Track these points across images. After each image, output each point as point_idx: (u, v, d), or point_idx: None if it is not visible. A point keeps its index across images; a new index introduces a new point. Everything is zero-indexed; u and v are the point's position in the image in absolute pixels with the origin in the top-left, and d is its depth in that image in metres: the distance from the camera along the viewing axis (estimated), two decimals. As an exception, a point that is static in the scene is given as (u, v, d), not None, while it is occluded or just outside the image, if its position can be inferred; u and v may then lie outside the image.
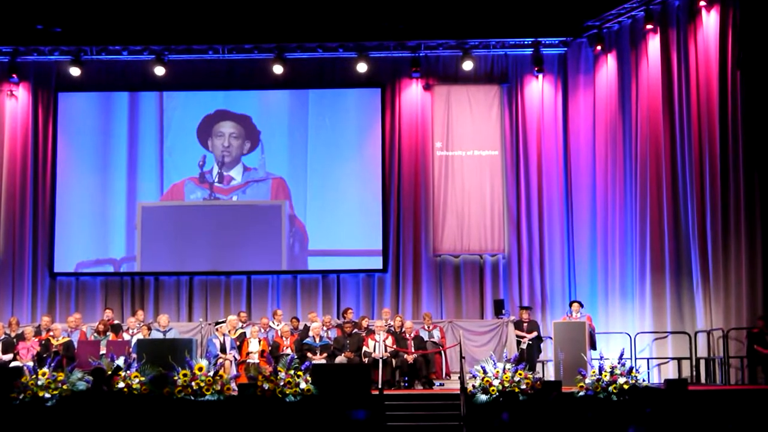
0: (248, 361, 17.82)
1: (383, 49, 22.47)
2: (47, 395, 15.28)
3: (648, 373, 19.20)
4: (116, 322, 19.72)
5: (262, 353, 17.93)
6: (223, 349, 17.95)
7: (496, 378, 15.78)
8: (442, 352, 19.30)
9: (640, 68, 21.00)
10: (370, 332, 19.04)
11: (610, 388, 15.66)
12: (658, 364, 20.10)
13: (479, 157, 22.47)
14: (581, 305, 19.46)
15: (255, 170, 22.56)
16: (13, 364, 17.46)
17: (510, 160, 22.49)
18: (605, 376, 15.76)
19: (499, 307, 21.15)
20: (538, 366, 19.80)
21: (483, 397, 15.70)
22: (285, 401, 15.26)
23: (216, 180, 22.52)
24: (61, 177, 22.47)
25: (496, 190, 22.37)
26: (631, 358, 18.78)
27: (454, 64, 22.69)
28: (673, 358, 19.81)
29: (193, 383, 15.32)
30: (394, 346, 18.56)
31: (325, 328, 19.30)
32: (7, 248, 22.10)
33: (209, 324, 20.15)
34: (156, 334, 18.84)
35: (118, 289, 22.36)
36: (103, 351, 17.10)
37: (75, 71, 22.11)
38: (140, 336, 18.45)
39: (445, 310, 22.14)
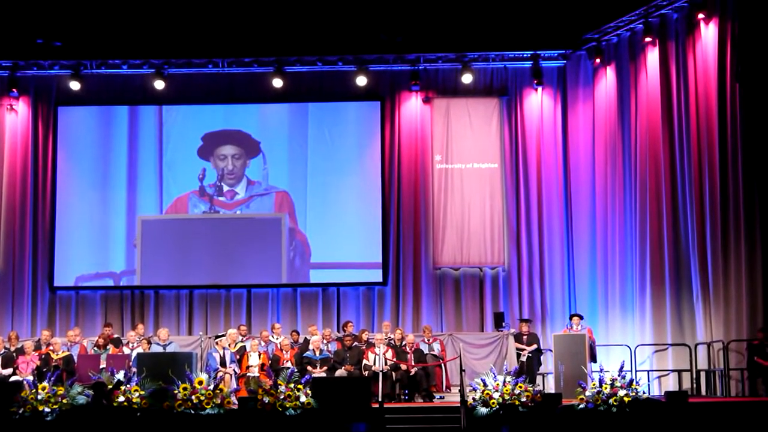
0: (248, 374, 17.83)
1: (382, 62, 22.51)
2: (47, 409, 15.24)
3: (648, 385, 19.15)
4: (116, 336, 19.71)
5: (262, 367, 17.93)
6: (223, 363, 17.96)
7: (497, 391, 15.73)
8: (442, 365, 19.31)
9: (639, 81, 21.03)
10: (370, 345, 19.04)
11: (611, 401, 15.60)
12: (659, 377, 20.09)
13: (479, 170, 22.49)
14: (581, 318, 19.47)
15: (258, 183, 22.57)
16: (12, 378, 17.46)
17: (510, 172, 22.51)
18: (605, 388, 15.72)
19: (499, 320, 21.14)
20: (539, 379, 19.81)
21: (483, 410, 15.66)
22: (285, 415, 15.23)
23: (216, 193, 22.52)
24: (61, 191, 22.48)
25: (496, 203, 22.38)
26: (631, 371, 18.77)
27: (453, 77, 22.74)
28: (673, 371, 19.80)
29: (193, 397, 15.30)
30: (394, 359, 18.57)
31: (325, 342, 19.31)
32: (6, 262, 22.10)
33: (209, 338, 20.14)
34: (156, 348, 18.82)
35: (118, 302, 22.34)
36: (103, 365, 17.12)
37: (75, 85, 22.16)
38: (140, 350, 18.44)
39: (445, 323, 22.13)
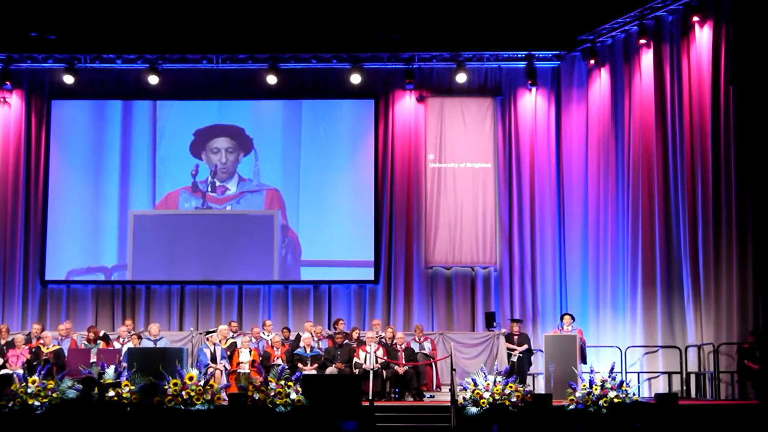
0: (239, 371, 17.81)
1: (377, 60, 22.51)
2: (37, 403, 15.28)
3: (638, 387, 19.19)
4: (103, 332, 19.58)
5: (252, 363, 17.91)
6: (213, 359, 17.94)
7: (487, 390, 15.77)
8: (433, 364, 19.31)
9: (633, 83, 21.05)
10: (361, 343, 19.04)
11: (601, 402, 15.66)
12: (649, 379, 20.10)
13: (472, 170, 22.49)
14: (572, 318, 19.48)
15: (249, 181, 22.54)
16: (2, 371, 17.42)
17: (502, 172, 22.51)
18: (596, 389, 15.77)
19: (490, 320, 21.16)
20: (529, 379, 19.82)
21: (473, 410, 15.69)
22: (275, 411, 15.25)
23: (209, 189, 22.50)
24: (54, 184, 22.43)
25: (489, 203, 22.39)
26: (621, 372, 18.79)
27: (447, 76, 22.72)
28: (663, 373, 19.82)
29: (184, 393, 15.32)
30: (385, 358, 18.56)
31: (316, 339, 19.31)
32: (-2, 255, 22.10)
33: (200, 333, 20.12)
34: (147, 343, 18.81)
35: (109, 297, 22.31)
36: (93, 359, 17.10)
37: (68, 79, 22.09)
38: (131, 344, 18.42)
39: (436, 322, 22.13)
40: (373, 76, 22.72)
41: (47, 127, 22.60)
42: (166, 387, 15.37)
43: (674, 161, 20.06)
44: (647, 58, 20.73)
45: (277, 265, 22.31)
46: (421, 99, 22.76)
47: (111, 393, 15.29)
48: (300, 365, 18.24)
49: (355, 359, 18.52)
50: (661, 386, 19.76)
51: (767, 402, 16.40)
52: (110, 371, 15.75)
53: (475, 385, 15.91)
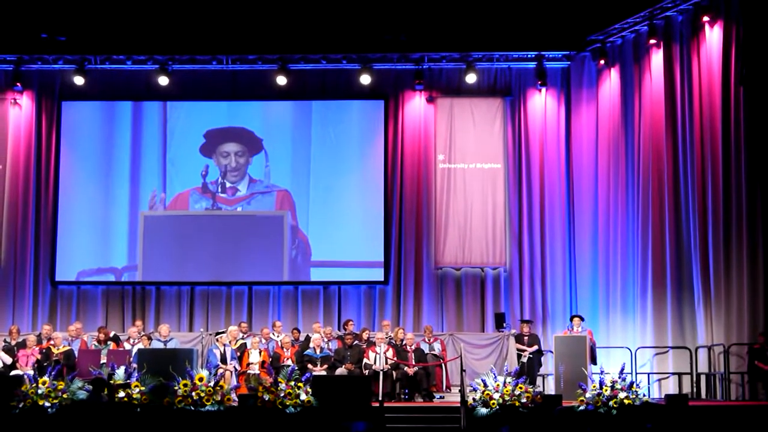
0: (249, 371, 17.82)
1: (386, 61, 22.49)
2: (47, 404, 15.29)
3: (648, 388, 19.15)
4: (113, 333, 19.60)
5: (262, 364, 17.93)
6: (223, 360, 17.94)
7: (497, 391, 15.75)
8: (443, 364, 19.30)
9: (643, 83, 21.02)
10: (371, 344, 19.04)
11: (611, 403, 15.62)
12: (659, 379, 20.08)
13: (481, 170, 22.47)
14: (582, 319, 19.47)
15: (260, 182, 22.55)
16: (13, 372, 17.46)
17: (512, 173, 22.49)
18: (606, 390, 15.73)
19: (500, 321, 21.14)
20: (539, 380, 19.81)
21: (483, 411, 15.67)
22: (285, 412, 15.25)
23: (219, 190, 22.51)
24: (64, 185, 22.47)
25: (498, 203, 22.37)
26: (631, 373, 18.76)
27: (457, 76, 22.71)
28: (673, 373, 19.79)
29: (194, 393, 15.33)
30: (395, 359, 18.56)
31: (325, 340, 19.31)
32: (8, 256, 22.09)
33: (210, 334, 20.14)
34: (157, 344, 18.83)
35: (119, 298, 22.34)
36: (103, 360, 17.13)
37: (79, 80, 22.13)
38: (141, 345, 18.44)
39: (446, 322, 22.12)
40: (383, 77, 22.72)
41: (57, 128, 22.65)
42: (176, 388, 15.38)
43: (684, 162, 20.03)
44: (657, 58, 20.70)
45: (287, 265, 22.31)
46: (430, 99, 22.75)
47: (121, 394, 15.33)
48: (310, 366, 18.25)
49: (365, 360, 18.53)
50: (671, 387, 19.74)
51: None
52: (120, 372, 15.78)
53: (485, 386, 15.89)
